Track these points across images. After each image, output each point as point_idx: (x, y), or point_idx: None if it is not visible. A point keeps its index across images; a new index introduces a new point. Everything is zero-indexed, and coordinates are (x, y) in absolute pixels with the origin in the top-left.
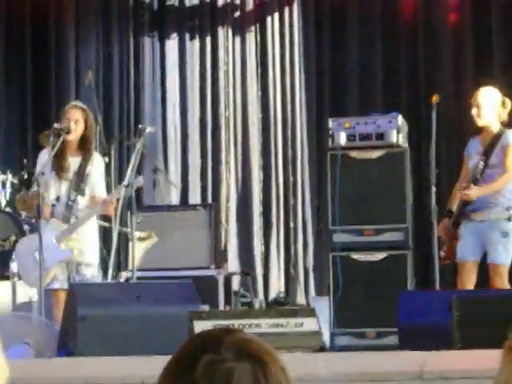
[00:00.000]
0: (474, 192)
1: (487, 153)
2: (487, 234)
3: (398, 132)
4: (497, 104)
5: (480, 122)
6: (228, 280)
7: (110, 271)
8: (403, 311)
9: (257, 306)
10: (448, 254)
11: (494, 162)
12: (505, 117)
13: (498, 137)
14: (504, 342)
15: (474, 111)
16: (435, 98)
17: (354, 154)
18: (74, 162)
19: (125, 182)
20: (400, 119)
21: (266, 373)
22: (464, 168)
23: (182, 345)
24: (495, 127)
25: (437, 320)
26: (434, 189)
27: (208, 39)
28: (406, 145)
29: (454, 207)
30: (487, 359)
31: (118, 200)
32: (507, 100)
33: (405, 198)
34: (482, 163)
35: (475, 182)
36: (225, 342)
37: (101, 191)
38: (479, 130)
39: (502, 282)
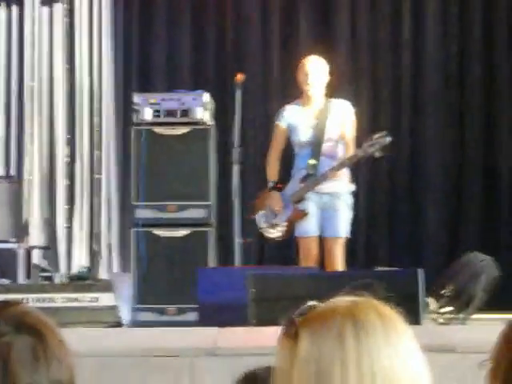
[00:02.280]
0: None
1: (321, 125)
2: (333, 207)
3: (204, 109)
4: (326, 72)
5: (310, 91)
6: (28, 254)
7: None
8: (202, 288)
9: (57, 280)
10: (286, 233)
11: (332, 136)
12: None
13: (327, 108)
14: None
15: (306, 79)
16: (240, 77)
17: (158, 129)
18: None
19: None
20: (205, 96)
21: (44, 345)
22: (279, 136)
23: None
24: (323, 97)
25: (234, 297)
26: (236, 167)
27: (14, 8)
28: (212, 123)
29: (274, 178)
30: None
31: None
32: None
33: (208, 176)
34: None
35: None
36: (3, 314)
37: None
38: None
39: (342, 256)
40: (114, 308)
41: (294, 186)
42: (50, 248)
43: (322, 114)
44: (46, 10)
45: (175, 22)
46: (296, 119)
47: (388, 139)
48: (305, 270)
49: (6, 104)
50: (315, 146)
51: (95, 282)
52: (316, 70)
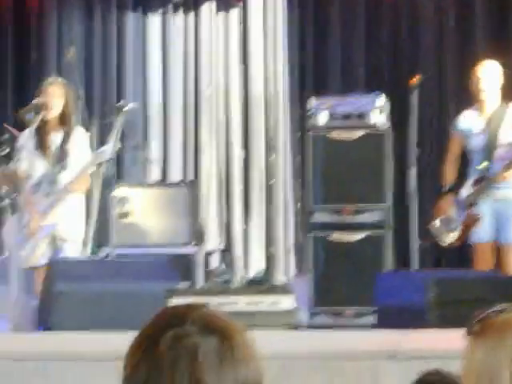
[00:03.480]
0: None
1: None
2: (505, 214)
3: (380, 112)
4: (500, 76)
5: (483, 96)
6: (207, 258)
7: (89, 247)
8: (380, 291)
9: (236, 284)
10: (461, 237)
11: (506, 141)
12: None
13: (502, 113)
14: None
15: (478, 84)
16: (416, 79)
17: (334, 134)
18: (55, 138)
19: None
20: (381, 99)
21: (231, 347)
22: (455, 143)
23: (148, 321)
24: (498, 101)
25: (412, 300)
26: (413, 170)
27: (191, 16)
28: (388, 125)
29: (450, 183)
30: (459, 338)
31: (97, 174)
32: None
33: (384, 178)
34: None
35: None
36: (189, 317)
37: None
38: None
39: None
40: (293, 311)
41: (467, 189)
42: (228, 252)
43: (496, 119)
44: (221, 16)
45: (350, 23)
46: (469, 125)
47: None
48: (485, 273)
49: (183, 110)
50: (488, 152)
51: (273, 285)
52: (488, 74)
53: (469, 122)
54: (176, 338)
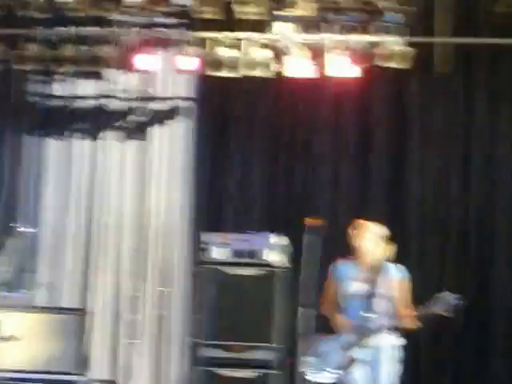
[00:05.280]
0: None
1: (373, 282)
2: (377, 360)
3: (272, 251)
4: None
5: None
6: None
7: None
8: None
9: None
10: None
11: (382, 293)
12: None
13: (379, 268)
14: None
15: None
16: (310, 222)
17: (226, 269)
18: None
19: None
20: (274, 238)
21: None
22: (331, 288)
23: None
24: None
25: None
26: (301, 310)
27: (89, 145)
28: (283, 264)
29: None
30: None
31: None
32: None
33: (273, 317)
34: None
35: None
36: None
37: None
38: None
39: None
40: None
41: (347, 335)
42: (113, 383)
43: (375, 271)
44: (120, 146)
45: (248, 163)
46: (348, 273)
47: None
48: None
49: (75, 238)
50: (368, 301)
51: None
52: (360, 232)
53: (345, 269)
54: None
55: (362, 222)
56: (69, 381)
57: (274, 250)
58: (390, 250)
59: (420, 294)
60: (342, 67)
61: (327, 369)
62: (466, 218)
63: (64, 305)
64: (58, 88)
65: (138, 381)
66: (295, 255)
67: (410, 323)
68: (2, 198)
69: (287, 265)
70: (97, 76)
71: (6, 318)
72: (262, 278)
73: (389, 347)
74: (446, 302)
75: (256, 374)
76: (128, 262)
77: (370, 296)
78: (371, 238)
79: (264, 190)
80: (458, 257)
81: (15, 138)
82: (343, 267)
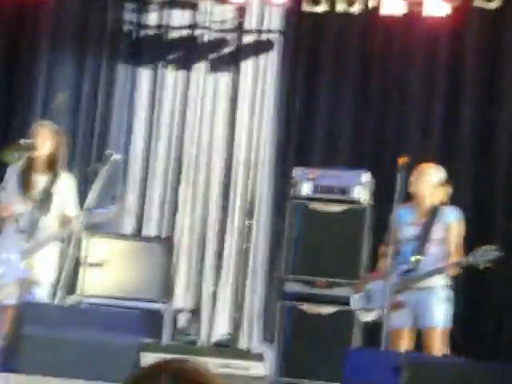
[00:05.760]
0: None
1: (427, 227)
2: (425, 300)
3: (362, 188)
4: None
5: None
6: (174, 316)
7: (59, 293)
8: (348, 367)
9: (201, 345)
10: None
11: (435, 238)
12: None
13: (435, 212)
14: None
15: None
16: (403, 160)
17: (315, 205)
18: (41, 180)
19: (88, 207)
20: (365, 176)
21: None
22: (394, 233)
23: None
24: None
25: (381, 379)
26: (389, 249)
27: (182, 75)
28: (370, 202)
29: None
30: None
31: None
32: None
33: (360, 255)
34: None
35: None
36: (165, 370)
37: (71, 211)
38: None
39: (440, 346)
40: (265, 378)
41: (396, 277)
42: (195, 312)
43: (430, 215)
44: (212, 77)
45: (338, 98)
46: (404, 217)
47: (496, 253)
48: (458, 360)
49: (164, 168)
50: (420, 245)
51: (246, 350)
52: (418, 177)
53: (404, 214)
54: None
55: (420, 165)
56: (154, 309)
57: (362, 187)
58: (446, 192)
59: (474, 237)
60: (437, 5)
61: (374, 308)
62: None
63: (151, 233)
64: (153, 17)
65: (222, 311)
66: (378, 193)
67: (454, 269)
68: (96, 126)
69: (372, 202)
70: (191, 6)
71: (94, 245)
72: (350, 214)
73: (438, 288)
74: (488, 254)
75: (339, 310)
76: (216, 194)
77: (422, 240)
78: (427, 182)
79: (352, 127)
80: None
81: (109, 67)
82: (402, 212)
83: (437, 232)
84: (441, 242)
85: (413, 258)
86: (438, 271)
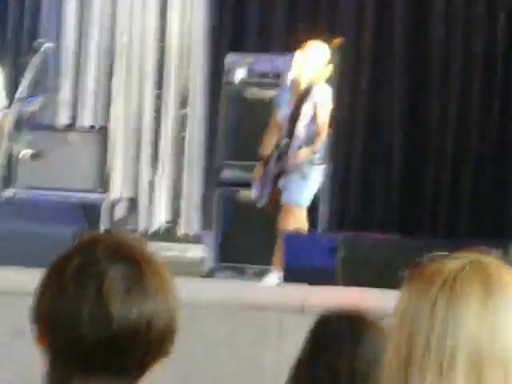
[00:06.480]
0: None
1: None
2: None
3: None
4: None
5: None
6: (112, 206)
7: None
8: (287, 252)
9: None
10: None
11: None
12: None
13: (307, 91)
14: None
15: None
16: (337, 41)
17: (250, 91)
18: None
19: (19, 96)
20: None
21: (141, 276)
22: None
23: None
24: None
25: (321, 260)
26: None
27: None
28: None
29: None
30: (368, 296)
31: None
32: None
33: None
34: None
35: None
36: (98, 245)
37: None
38: None
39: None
40: (202, 260)
41: (271, 163)
42: (133, 201)
43: (301, 96)
44: None
45: None
46: (281, 98)
47: None
48: (392, 237)
49: (97, 55)
50: (290, 126)
51: (182, 234)
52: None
53: (283, 95)
54: (82, 266)
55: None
56: (90, 199)
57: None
58: (325, 74)
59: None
60: None
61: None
62: None
63: (86, 124)
64: None
65: (160, 201)
66: None
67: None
68: (24, 14)
69: None
70: None
71: (27, 137)
72: None
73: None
74: None
75: None
76: (150, 82)
77: (292, 120)
78: (304, 61)
79: (285, 12)
80: None
81: None
82: (281, 92)
83: (306, 112)
84: (309, 123)
85: (283, 141)
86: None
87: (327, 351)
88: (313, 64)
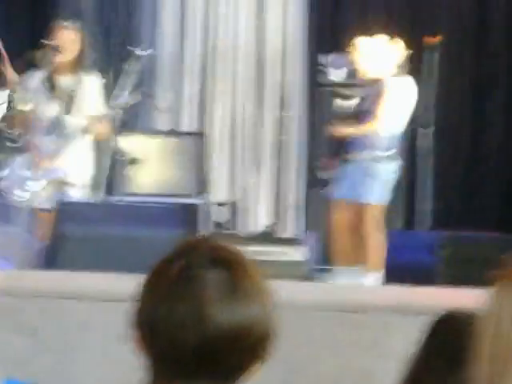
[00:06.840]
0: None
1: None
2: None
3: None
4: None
5: None
6: (214, 209)
7: (97, 193)
8: (389, 249)
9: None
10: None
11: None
12: None
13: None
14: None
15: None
16: (436, 40)
17: (344, 90)
18: (68, 81)
19: (116, 103)
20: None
21: (241, 280)
22: None
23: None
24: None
25: (423, 258)
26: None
27: None
28: None
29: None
30: (470, 297)
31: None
32: None
33: None
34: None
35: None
36: (199, 248)
37: (99, 111)
38: None
39: (373, 222)
40: (304, 263)
41: None
42: (234, 206)
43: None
44: None
45: None
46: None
47: None
48: (496, 235)
49: (198, 60)
50: None
51: (284, 237)
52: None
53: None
54: (183, 269)
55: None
56: (191, 203)
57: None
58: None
59: None
60: None
61: None
62: None
63: (183, 129)
64: None
65: (260, 204)
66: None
67: None
68: (119, 21)
69: None
70: None
71: (127, 143)
72: None
73: None
74: None
75: None
76: (246, 86)
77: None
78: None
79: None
80: None
81: None
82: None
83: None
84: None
85: None
86: None
87: (447, 353)
88: (386, 58)
